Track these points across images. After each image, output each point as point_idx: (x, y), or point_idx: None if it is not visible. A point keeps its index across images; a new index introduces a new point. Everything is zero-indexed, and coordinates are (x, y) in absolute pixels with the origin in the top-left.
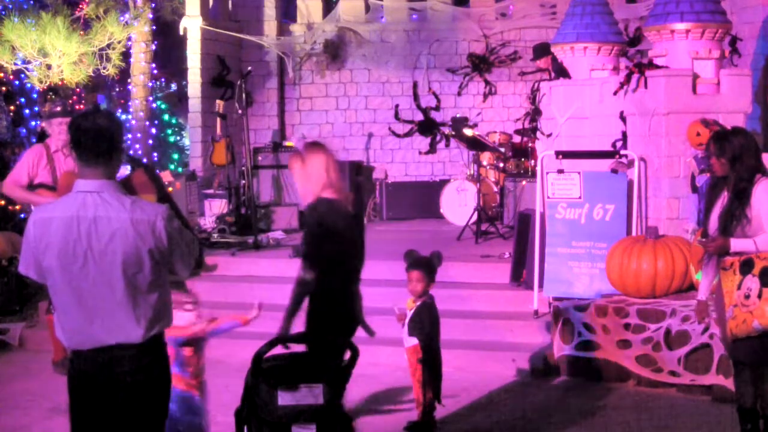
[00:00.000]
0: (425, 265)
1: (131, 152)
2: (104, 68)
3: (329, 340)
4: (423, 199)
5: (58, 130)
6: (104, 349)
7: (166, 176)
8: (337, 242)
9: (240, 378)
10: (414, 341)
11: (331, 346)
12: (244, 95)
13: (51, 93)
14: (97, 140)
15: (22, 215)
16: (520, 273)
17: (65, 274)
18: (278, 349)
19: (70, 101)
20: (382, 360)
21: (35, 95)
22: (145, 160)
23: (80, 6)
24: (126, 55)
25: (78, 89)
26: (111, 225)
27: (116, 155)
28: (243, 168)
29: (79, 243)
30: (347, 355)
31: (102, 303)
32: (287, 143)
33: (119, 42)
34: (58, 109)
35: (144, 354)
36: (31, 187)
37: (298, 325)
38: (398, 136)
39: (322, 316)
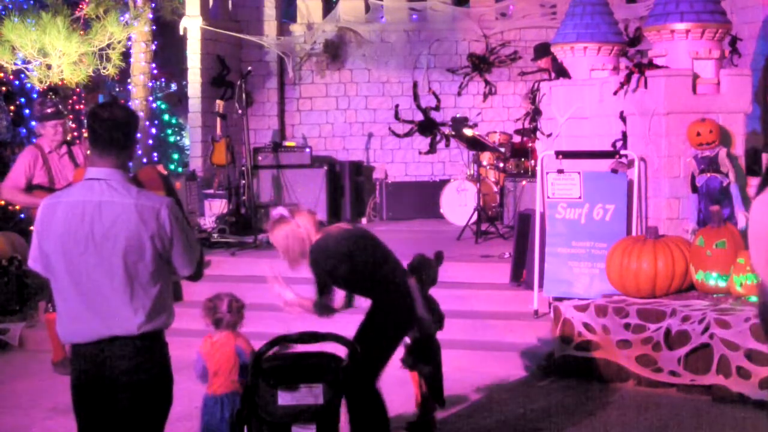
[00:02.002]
0: (417, 270)
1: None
2: (104, 68)
3: (335, 339)
4: (423, 199)
5: (53, 132)
6: (103, 347)
7: (160, 169)
8: (363, 254)
9: None
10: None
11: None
12: (244, 95)
13: (51, 93)
14: (111, 129)
15: (22, 215)
16: (520, 273)
17: (66, 259)
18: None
19: (70, 101)
20: None
21: (35, 95)
22: (145, 160)
23: (80, 6)
24: (126, 55)
25: (78, 89)
26: (115, 209)
27: (128, 146)
28: (243, 168)
29: (82, 228)
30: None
31: (100, 291)
32: (287, 143)
33: (119, 42)
34: (50, 111)
35: (143, 353)
36: (29, 188)
37: (303, 326)
38: (398, 136)
39: (389, 312)
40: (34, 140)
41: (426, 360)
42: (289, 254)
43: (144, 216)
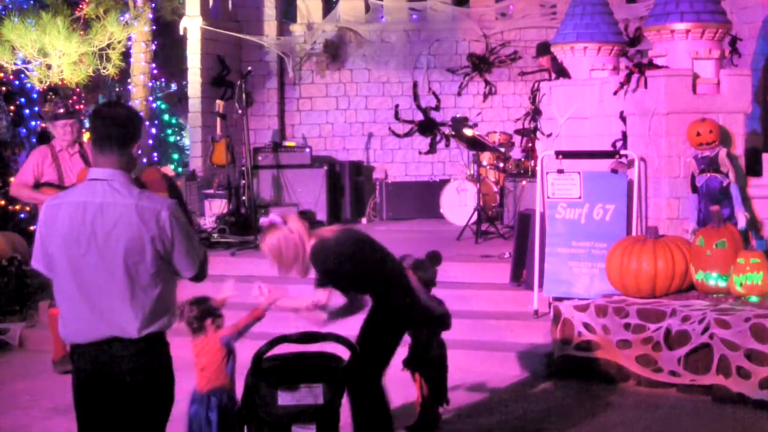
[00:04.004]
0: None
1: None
2: (104, 68)
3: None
4: (423, 199)
5: (62, 132)
6: (103, 347)
7: (167, 171)
8: (364, 254)
9: (240, 378)
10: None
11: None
12: (244, 95)
13: (51, 93)
14: (112, 128)
15: (23, 215)
16: (520, 273)
17: (68, 260)
18: (279, 349)
19: (70, 101)
20: None
21: (35, 95)
22: (145, 160)
23: (80, 6)
24: (126, 55)
25: (78, 89)
26: (116, 210)
27: (130, 145)
28: (243, 168)
29: (84, 228)
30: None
31: (101, 292)
32: (287, 143)
33: (119, 42)
34: (61, 111)
35: (143, 354)
36: (37, 186)
37: (302, 326)
38: (398, 136)
39: (390, 309)
40: (34, 140)
41: (428, 361)
42: (282, 260)
43: (144, 217)
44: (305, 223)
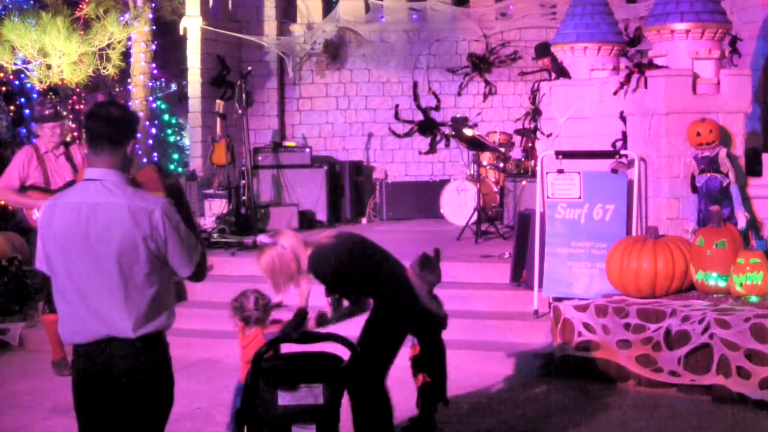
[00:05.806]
0: (422, 269)
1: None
2: (104, 68)
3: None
4: (423, 199)
5: (50, 133)
6: (101, 347)
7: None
8: (361, 256)
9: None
10: (414, 340)
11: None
12: (244, 95)
13: (51, 93)
14: (105, 127)
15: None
16: (520, 273)
17: (64, 261)
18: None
19: (70, 101)
20: None
21: (35, 95)
22: (145, 160)
23: (80, 6)
24: (126, 55)
25: (78, 89)
26: (109, 211)
27: (123, 144)
28: (243, 168)
29: (78, 229)
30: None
31: (96, 291)
32: (287, 143)
33: (119, 42)
34: (48, 112)
35: (141, 354)
36: (23, 189)
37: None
38: (398, 136)
39: (392, 309)
40: (34, 140)
41: (433, 361)
42: (278, 278)
43: (137, 217)
44: (299, 235)
